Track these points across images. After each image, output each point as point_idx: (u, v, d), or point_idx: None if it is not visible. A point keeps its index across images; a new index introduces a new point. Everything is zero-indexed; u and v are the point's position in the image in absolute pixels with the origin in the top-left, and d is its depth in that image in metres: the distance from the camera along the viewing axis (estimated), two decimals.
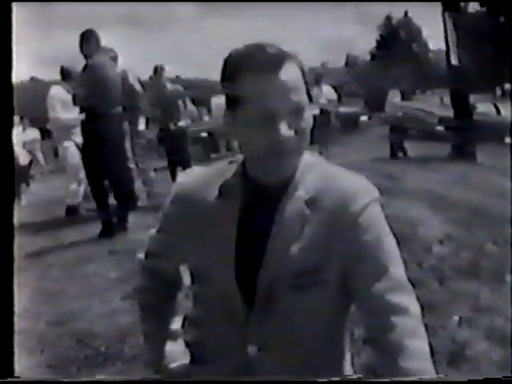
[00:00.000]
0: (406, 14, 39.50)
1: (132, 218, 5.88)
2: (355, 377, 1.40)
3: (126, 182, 6.03)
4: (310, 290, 1.25)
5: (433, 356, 1.19)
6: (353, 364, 1.49)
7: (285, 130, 1.19)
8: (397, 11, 43.41)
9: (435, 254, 4.55)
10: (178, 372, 1.47)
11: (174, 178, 8.30)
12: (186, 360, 1.47)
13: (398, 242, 1.30)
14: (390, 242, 1.26)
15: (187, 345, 1.48)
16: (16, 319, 3.52)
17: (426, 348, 1.18)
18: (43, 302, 3.75)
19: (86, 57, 5.68)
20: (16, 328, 3.43)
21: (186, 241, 1.36)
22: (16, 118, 11.19)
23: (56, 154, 14.57)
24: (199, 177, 1.38)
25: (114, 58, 6.89)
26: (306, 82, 1.25)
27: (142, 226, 5.69)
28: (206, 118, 17.56)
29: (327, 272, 1.24)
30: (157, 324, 1.52)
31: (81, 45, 5.68)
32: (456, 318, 3.40)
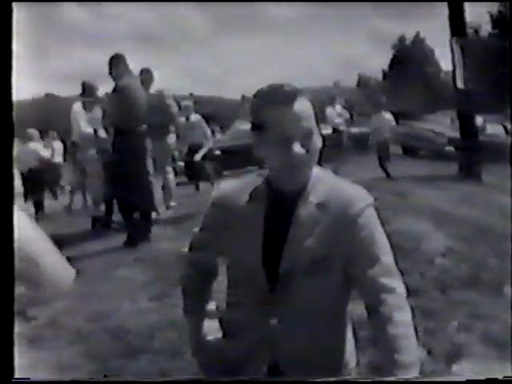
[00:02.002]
0: (417, 34, 39.72)
1: (154, 230, 6.20)
2: (349, 377, 1.71)
3: (148, 196, 6.32)
4: (319, 274, 1.59)
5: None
6: (356, 340, 1.83)
7: (298, 149, 1.55)
8: (410, 31, 43.65)
9: (437, 266, 4.77)
10: (213, 343, 1.81)
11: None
12: (220, 334, 1.82)
13: (396, 254, 1.60)
14: (381, 237, 1.61)
15: (221, 322, 1.83)
16: (56, 316, 3.87)
17: (409, 319, 1.53)
18: (79, 301, 4.03)
19: (114, 79, 6.04)
20: (57, 324, 3.78)
21: (222, 236, 1.71)
22: (36, 133, 11.53)
23: None
24: (234, 186, 1.74)
25: (150, 78, 7.28)
26: (315, 112, 1.61)
27: (163, 236, 6.04)
28: (219, 135, 17.61)
29: (333, 261, 1.60)
30: (197, 305, 1.86)
31: (110, 67, 6.05)
32: (455, 323, 3.64)
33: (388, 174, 10.53)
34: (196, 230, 1.84)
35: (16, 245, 1.10)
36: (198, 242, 1.84)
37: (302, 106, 1.56)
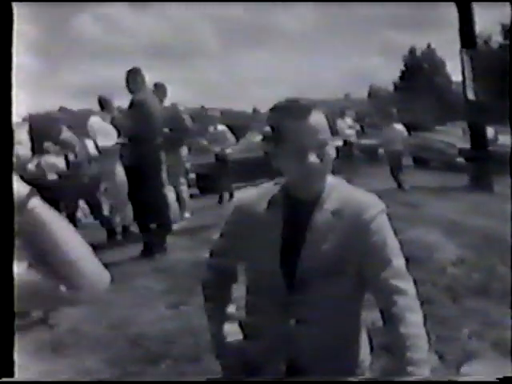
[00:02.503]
0: (428, 46, 39.70)
1: (170, 240, 6.31)
2: (363, 377, 1.78)
3: (163, 207, 6.44)
4: (335, 277, 1.69)
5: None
6: (371, 348, 1.91)
7: (313, 159, 1.65)
8: (421, 43, 43.63)
9: (449, 275, 4.84)
10: (233, 345, 1.89)
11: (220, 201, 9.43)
12: (240, 336, 1.90)
13: (408, 263, 1.69)
14: (393, 242, 1.71)
15: (241, 324, 1.93)
16: (77, 324, 3.97)
17: (421, 320, 1.63)
18: (100, 309, 4.12)
19: (131, 92, 6.20)
20: (79, 331, 3.88)
21: (242, 242, 1.81)
22: (52, 146, 11.67)
23: None
24: (253, 194, 1.85)
25: (163, 91, 7.42)
26: (329, 124, 1.72)
27: (179, 247, 6.16)
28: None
29: (347, 264, 1.69)
30: (218, 308, 1.94)
31: (127, 81, 6.21)
32: (466, 330, 3.71)
33: (400, 185, 10.59)
34: (217, 236, 1.94)
35: (58, 249, 1.19)
36: (219, 247, 1.93)
37: (317, 118, 1.67)
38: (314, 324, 1.72)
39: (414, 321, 1.60)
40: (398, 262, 1.68)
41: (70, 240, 1.19)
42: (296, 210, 1.74)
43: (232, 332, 1.91)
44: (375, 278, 1.66)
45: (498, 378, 1.49)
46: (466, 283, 4.66)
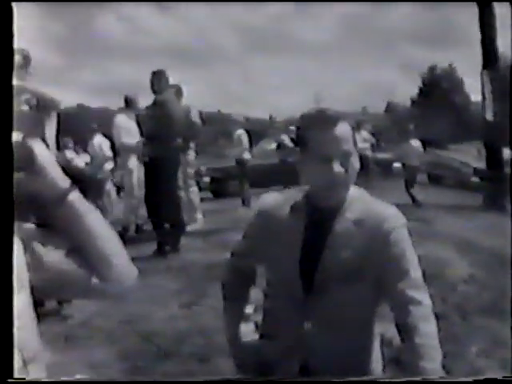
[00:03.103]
0: (450, 65, 39.63)
1: (183, 241, 6.38)
2: (357, 379, 1.75)
3: (178, 208, 6.50)
4: (352, 284, 1.72)
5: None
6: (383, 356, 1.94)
7: (337, 168, 1.69)
8: (441, 60, 43.54)
9: (459, 292, 4.84)
10: (249, 345, 1.93)
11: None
12: (256, 336, 1.95)
13: (425, 279, 1.72)
14: (411, 254, 1.74)
15: (257, 325, 1.97)
16: (91, 317, 4.01)
17: (435, 330, 1.65)
18: (112, 305, 4.09)
19: (154, 92, 6.29)
20: (91, 324, 3.92)
21: (263, 245, 1.86)
22: (70, 142, 11.81)
23: None
24: (276, 199, 1.89)
25: (180, 93, 7.50)
26: (353, 135, 1.76)
27: (191, 248, 6.22)
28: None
29: (365, 272, 1.73)
30: (235, 308, 1.99)
31: (151, 81, 6.31)
32: (474, 348, 3.71)
33: (414, 200, 10.58)
34: (239, 237, 1.99)
35: (92, 241, 1.24)
36: (240, 248, 1.99)
37: (343, 129, 1.71)
38: (329, 328, 1.75)
39: (428, 331, 1.63)
40: (416, 273, 1.71)
41: (103, 233, 1.25)
42: (318, 217, 1.77)
43: (248, 332, 1.95)
44: (392, 287, 1.69)
45: (496, 378, 1.50)
46: (477, 301, 4.65)
